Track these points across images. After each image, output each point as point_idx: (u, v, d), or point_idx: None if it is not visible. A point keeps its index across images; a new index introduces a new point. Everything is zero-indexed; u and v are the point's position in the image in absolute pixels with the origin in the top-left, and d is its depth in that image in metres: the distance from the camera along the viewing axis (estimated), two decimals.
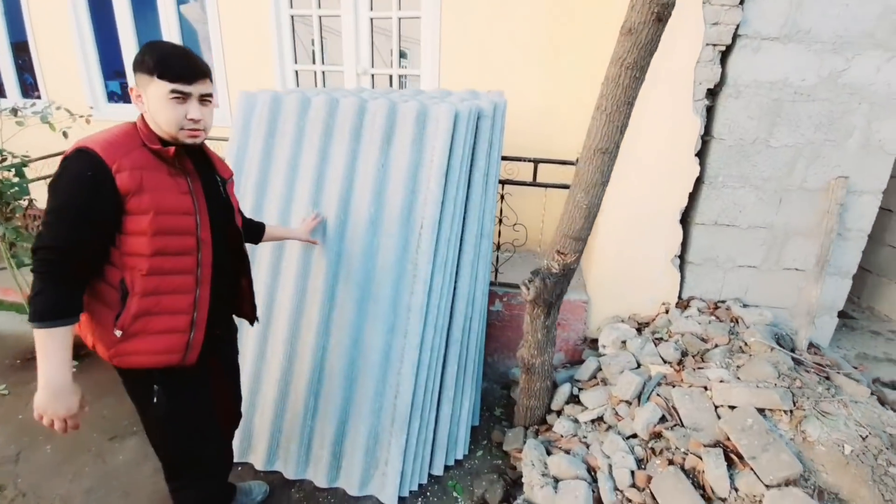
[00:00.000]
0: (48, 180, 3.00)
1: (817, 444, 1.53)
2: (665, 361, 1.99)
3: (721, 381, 1.77)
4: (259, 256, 2.05)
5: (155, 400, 1.23)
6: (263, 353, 2.00)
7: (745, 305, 2.39)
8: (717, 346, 2.02)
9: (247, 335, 2.02)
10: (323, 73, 3.44)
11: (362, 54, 3.29)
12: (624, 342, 2.21)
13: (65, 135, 2.67)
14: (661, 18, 1.31)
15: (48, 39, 3.80)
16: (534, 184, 2.38)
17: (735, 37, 2.12)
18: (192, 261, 1.20)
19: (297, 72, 3.46)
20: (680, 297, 2.45)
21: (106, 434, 2.12)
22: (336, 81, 3.52)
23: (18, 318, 3.05)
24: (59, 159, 2.95)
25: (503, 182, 2.36)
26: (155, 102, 1.12)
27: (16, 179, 2.43)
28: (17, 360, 2.63)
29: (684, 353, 2.03)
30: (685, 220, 2.38)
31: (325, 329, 1.93)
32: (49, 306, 1.05)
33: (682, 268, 2.43)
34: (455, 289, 2.04)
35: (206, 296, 1.24)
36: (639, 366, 2.04)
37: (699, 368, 1.90)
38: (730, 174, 2.28)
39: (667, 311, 2.38)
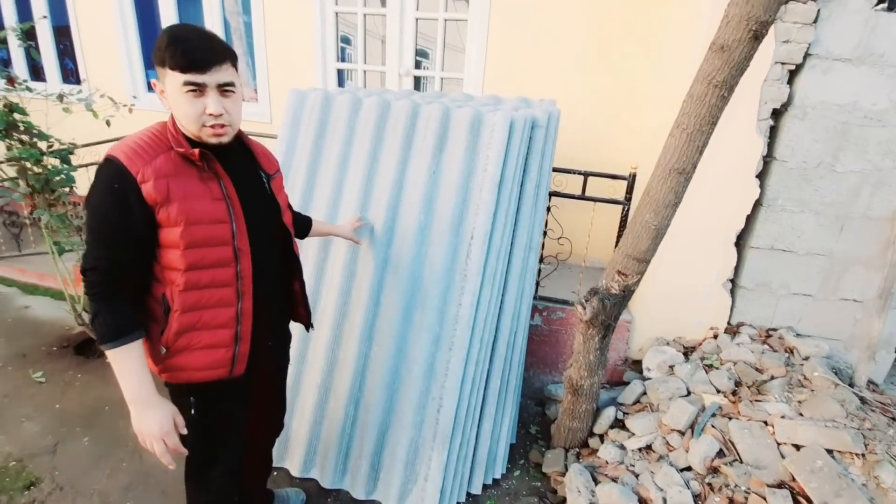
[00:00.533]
0: (91, 168, 3.00)
1: (891, 491, 1.44)
2: (718, 391, 1.91)
3: (783, 417, 1.69)
4: (304, 256, 2.01)
5: (192, 412, 1.19)
6: (304, 356, 1.97)
7: (797, 335, 2.30)
8: (773, 377, 1.93)
9: None
10: (364, 72, 3.41)
11: (406, 55, 3.25)
12: (672, 367, 2.13)
13: (108, 123, 2.67)
14: (759, 37, 1.24)
15: (91, 25, 3.82)
16: (583, 197, 2.32)
17: (805, 56, 2.04)
18: (230, 272, 1.12)
19: (338, 70, 3.43)
20: (729, 323, 2.36)
21: None
22: (376, 81, 3.48)
23: (55, 304, 3.07)
24: (101, 148, 2.93)
25: (552, 194, 2.30)
26: (171, 96, 1.01)
27: (62, 167, 2.43)
28: (54, 347, 2.64)
29: (738, 383, 1.95)
30: (738, 242, 2.30)
31: (368, 336, 1.89)
32: (109, 327, 1.02)
33: (732, 292, 2.35)
34: (502, 302, 1.99)
35: (248, 308, 1.17)
36: (689, 393, 1.97)
37: (757, 401, 1.81)
38: (789, 198, 2.19)
39: (715, 336, 2.29)
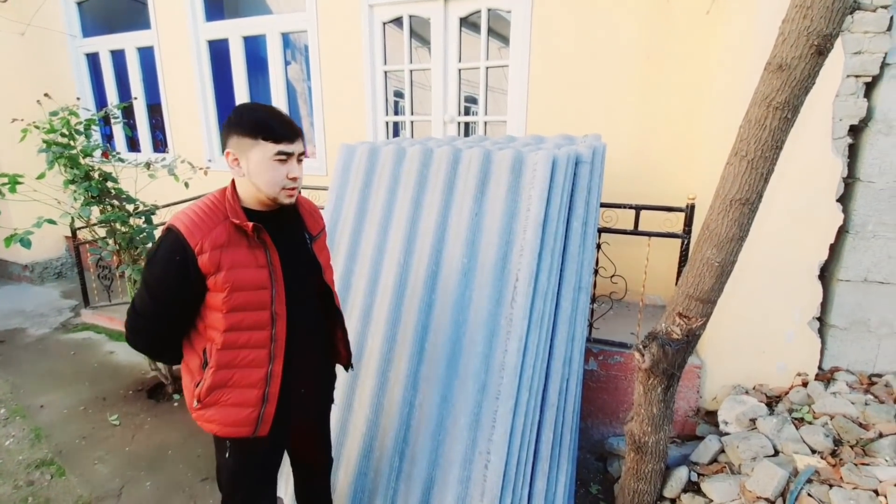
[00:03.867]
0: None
1: None
2: (813, 451, 1.64)
3: None
4: (352, 302, 2.05)
5: (227, 455, 1.26)
6: (351, 403, 1.96)
7: None
8: (882, 435, 1.63)
9: (336, 383, 1.99)
10: (412, 122, 3.55)
11: (450, 103, 3.36)
12: (753, 420, 1.87)
13: (186, 185, 2.96)
14: (823, 52, 1.14)
15: (176, 101, 4.36)
16: (636, 232, 2.19)
17: (883, 66, 1.84)
18: (265, 335, 1.18)
19: (387, 122, 3.61)
20: (821, 368, 2.06)
21: (199, 475, 2.16)
22: (423, 129, 3.61)
23: (134, 350, 3.33)
24: (180, 207, 3.23)
25: (602, 230, 2.19)
26: (257, 165, 1.11)
27: (145, 226, 2.70)
28: (130, 391, 2.85)
29: (837, 442, 1.67)
30: (823, 275, 2.03)
31: (413, 383, 1.85)
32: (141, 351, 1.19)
33: (821, 332, 2.06)
34: (551, 347, 1.88)
35: (278, 370, 1.22)
36: (776, 453, 1.70)
37: (863, 464, 1.53)
38: (882, 222, 1.93)
39: (805, 384, 2.00)
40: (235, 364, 1.16)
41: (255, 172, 1.12)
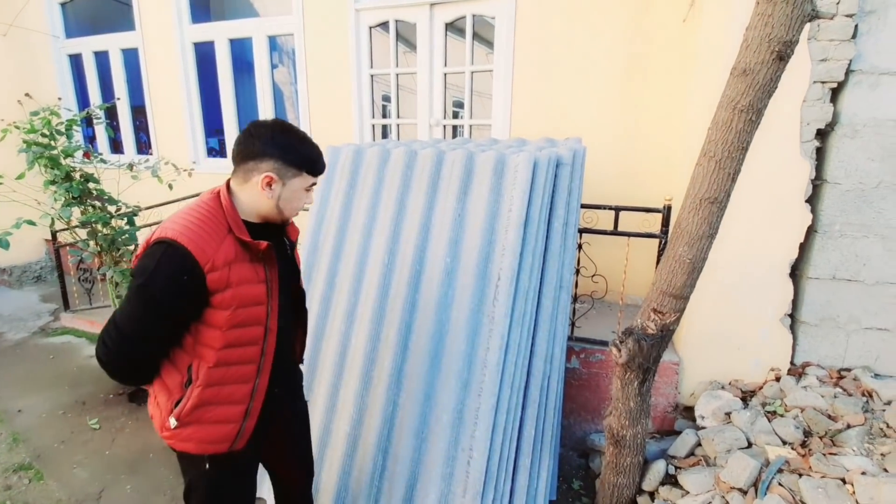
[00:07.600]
0: (154, 228, 3.27)
1: None
2: (784, 442, 1.69)
3: (864, 473, 1.46)
4: (336, 302, 2.06)
5: (207, 465, 1.17)
6: (334, 404, 1.96)
7: (876, 375, 2.02)
8: (849, 426, 1.69)
9: (319, 384, 2.00)
10: (398, 125, 3.58)
11: (436, 107, 3.40)
12: (728, 414, 1.93)
13: (170, 187, 2.94)
14: (784, 57, 1.19)
15: (161, 103, 4.33)
16: (616, 233, 2.24)
17: (848, 73, 1.93)
18: (257, 350, 1.15)
19: (373, 125, 3.63)
20: (793, 363, 2.13)
21: (181, 477, 2.12)
22: (410, 133, 3.65)
23: None
24: (163, 209, 3.18)
25: (582, 231, 2.24)
26: (293, 193, 1.12)
27: (127, 227, 2.68)
28: (111, 395, 2.81)
29: (807, 433, 1.72)
30: (794, 273, 2.10)
31: (396, 382, 1.86)
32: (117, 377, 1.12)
33: (793, 328, 2.13)
34: (532, 345, 1.91)
35: (264, 384, 1.18)
36: (750, 445, 1.75)
37: (831, 454, 1.59)
38: (848, 222, 2.01)
39: (777, 379, 2.06)
40: (225, 381, 1.11)
41: (288, 199, 1.12)
